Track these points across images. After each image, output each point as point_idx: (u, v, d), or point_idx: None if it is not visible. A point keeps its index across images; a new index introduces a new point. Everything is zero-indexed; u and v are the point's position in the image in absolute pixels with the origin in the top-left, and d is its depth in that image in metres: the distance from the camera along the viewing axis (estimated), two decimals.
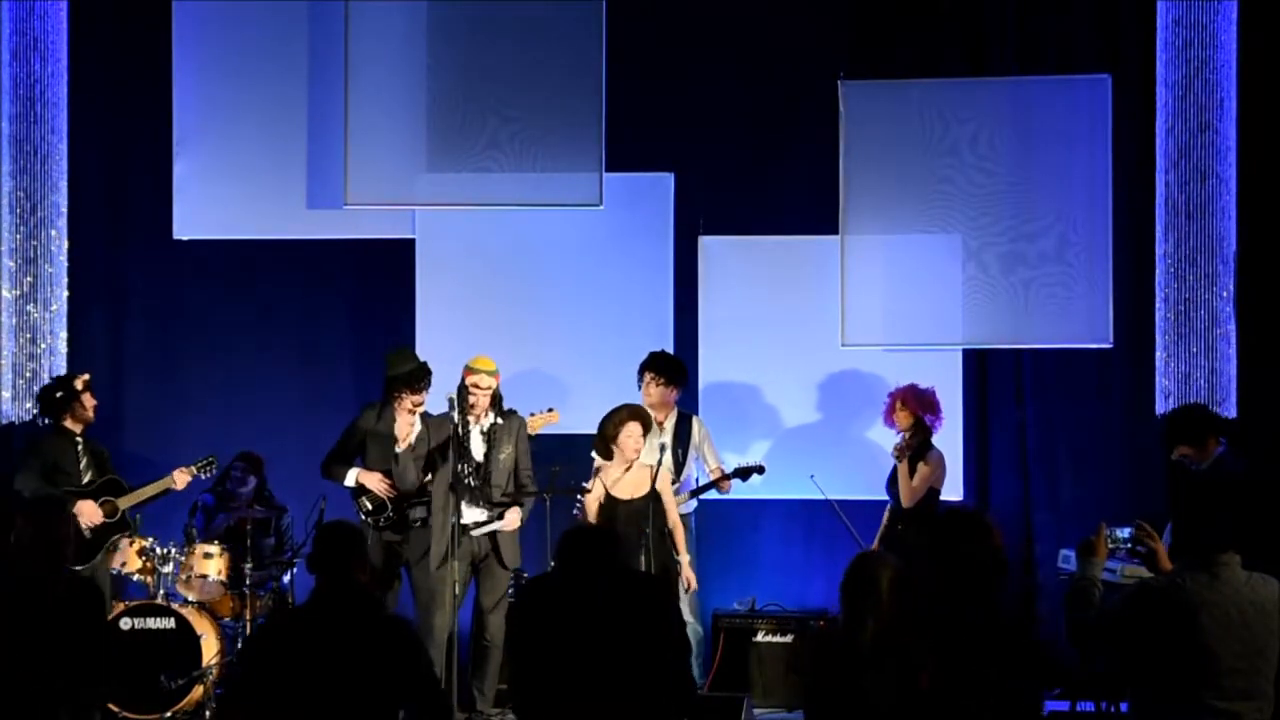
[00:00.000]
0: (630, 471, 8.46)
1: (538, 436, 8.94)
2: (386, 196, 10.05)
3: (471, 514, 8.50)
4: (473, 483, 8.48)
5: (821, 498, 9.20)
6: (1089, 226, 9.77)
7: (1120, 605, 5.35)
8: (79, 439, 8.99)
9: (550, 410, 8.90)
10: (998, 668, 4.76)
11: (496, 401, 8.60)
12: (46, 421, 9.15)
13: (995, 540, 4.87)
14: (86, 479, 8.94)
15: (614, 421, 8.49)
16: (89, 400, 9.00)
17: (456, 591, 8.36)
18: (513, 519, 8.54)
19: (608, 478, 8.49)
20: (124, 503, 8.94)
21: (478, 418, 8.53)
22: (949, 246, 9.86)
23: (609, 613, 5.26)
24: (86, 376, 9.08)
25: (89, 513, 8.79)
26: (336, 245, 10.34)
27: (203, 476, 9.26)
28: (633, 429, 8.45)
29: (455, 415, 8.40)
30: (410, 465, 8.67)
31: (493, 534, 8.52)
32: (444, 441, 8.47)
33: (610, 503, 8.43)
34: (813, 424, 10.14)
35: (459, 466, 8.39)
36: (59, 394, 8.97)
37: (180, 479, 9.09)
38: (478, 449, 8.51)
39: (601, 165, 9.81)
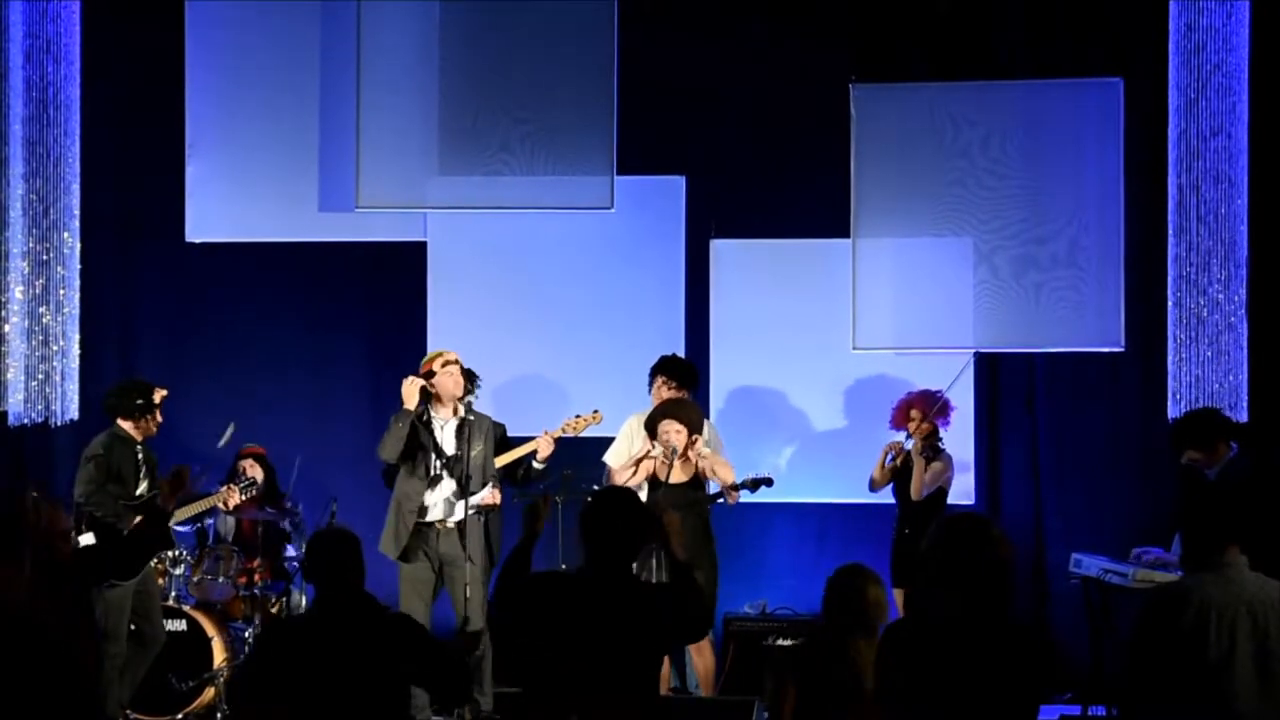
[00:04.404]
0: (677, 460, 8.57)
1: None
2: (398, 199, 10.08)
3: (441, 511, 8.43)
4: (446, 477, 8.42)
5: (835, 500, 9.21)
6: (1100, 230, 9.77)
7: (1138, 625, 5.34)
8: (139, 447, 8.68)
9: (595, 412, 8.96)
10: (1003, 672, 4.75)
11: (467, 391, 8.55)
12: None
13: (1003, 550, 4.85)
14: (141, 489, 8.61)
15: (653, 417, 8.65)
16: (160, 416, 8.70)
17: (430, 592, 8.36)
18: (489, 494, 8.45)
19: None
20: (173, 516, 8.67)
21: (453, 407, 8.46)
22: (960, 250, 9.87)
23: (621, 617, 5.25)
24: (165, 392, 8.78)
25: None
26: (348, 248, 10.37)
27: (243, 498, 9.20)
28: (666, 425, 8.55)
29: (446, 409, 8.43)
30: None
31: (461, 533, 8.41)
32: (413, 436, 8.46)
33: (656, 482, 8.52)
34: (824, 427, 10.15)
35: (432, 461, 8.38)
36: (139, 400, 8.64)
37: (231, 499, 9.00)
38: (449, 444, 8.46)
39: (613, 168, 9.83)
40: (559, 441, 8.87)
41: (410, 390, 8.41)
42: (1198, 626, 5.17)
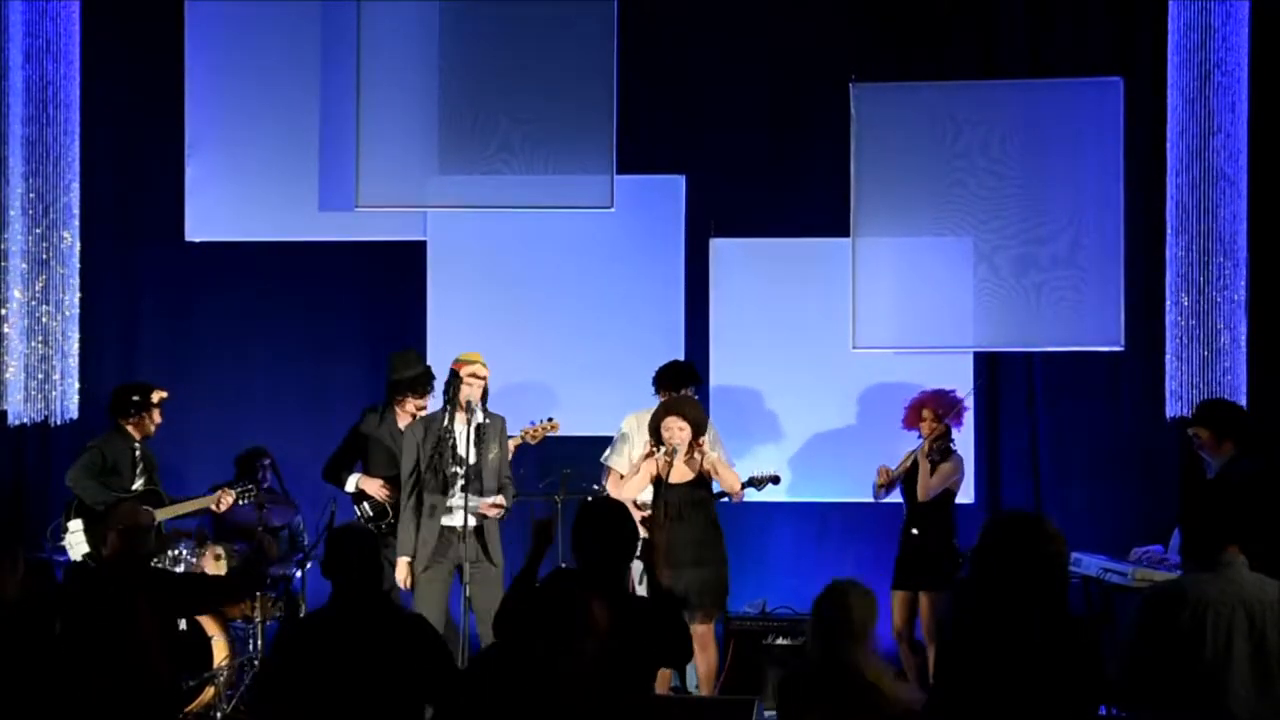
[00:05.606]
0: (679, 460, 8.51)
1: (547, 438, 8.95)
2: (398, 198, 10.08)
3: (459, 516, 8.40)
4: (463, 482, 8.39)
5: (835, 500, 9.19)
6: (1100, 229, 9.77)
7: (1134, 624, 5.35)
8: (136, 444, 8.91)
9: (550, 420, 8.92)
10: (1064, 665, 4.77)
11: (484, 398, 8.52)
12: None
13: (1057, 545, 4.88)
14: (136, 485, 8.79)
15: (658, 415, 8.56)
16: (157, 416, 8.97)
17: (445, 599, 8.33)
18: (487, 504, 8.38)
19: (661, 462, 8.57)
20: (161, 514, 8.66)
21: (469, 412, 8.41)
22: (960, 249, 9.87)
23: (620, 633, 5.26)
24: (165, 394, 9.02)
25: None
26: (348, 247, 10.37)
27: (240, 504, 9.17)
28: (670, 422, 8.47)
29: (457, 413, 8.35)
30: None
31: (480, 534, 8.38)
32: (431, 440, 8.42)
33: (660, 484, 8.45)
34: (824, 427, 10.14)
35: (450, 466, 8.36)
36: (134, 398, 8.91)
37: (224, 501, 9.01)
38: (466, 448, 8.44)
39: (613, 167, 9.83)
40: (553, 441, 8.90)
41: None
42: (1194, 626, 5.18)
